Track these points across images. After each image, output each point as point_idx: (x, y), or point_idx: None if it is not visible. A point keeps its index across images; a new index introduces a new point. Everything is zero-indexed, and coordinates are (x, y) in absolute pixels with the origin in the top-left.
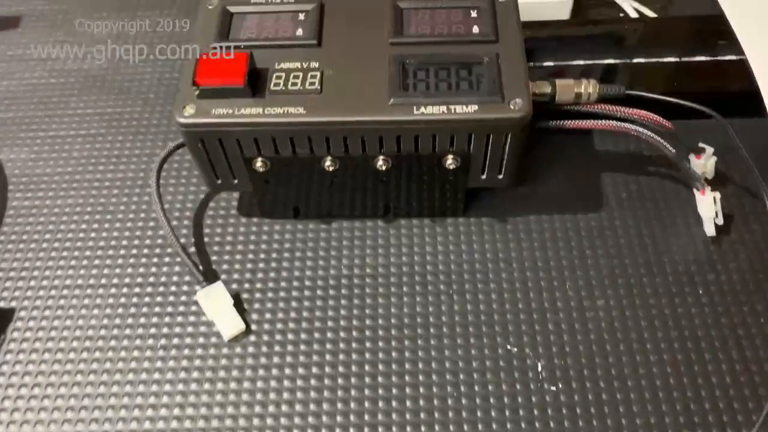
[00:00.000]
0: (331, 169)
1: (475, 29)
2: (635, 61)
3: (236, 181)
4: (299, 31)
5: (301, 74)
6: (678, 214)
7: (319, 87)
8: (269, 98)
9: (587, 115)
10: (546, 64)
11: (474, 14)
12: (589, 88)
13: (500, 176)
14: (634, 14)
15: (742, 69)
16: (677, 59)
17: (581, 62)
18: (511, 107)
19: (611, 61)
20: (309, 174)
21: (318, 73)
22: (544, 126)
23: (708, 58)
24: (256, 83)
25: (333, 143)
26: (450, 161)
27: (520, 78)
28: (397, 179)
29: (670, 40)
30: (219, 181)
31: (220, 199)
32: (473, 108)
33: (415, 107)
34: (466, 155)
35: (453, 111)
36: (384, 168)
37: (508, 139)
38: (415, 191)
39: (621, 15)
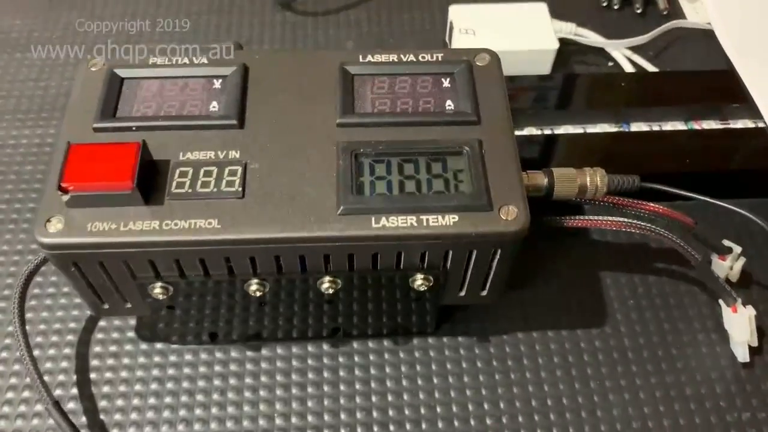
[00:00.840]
0: (258, 294)
1: (450, 105)
2: (633, 129)
3: (129, 306)
4: (214, 106)
5: (215, 169)
6: (698, 327)
7: (240, 189)
8: (169, 205)
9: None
10: (523, 132)
11: (446, 83)
12: (596, 179)
13: (483, 293)
14: (629, 67)
15: (762, 138)
16: (684, 125)
17: (568, 129)
18: (503, 217)
19: (605, 128)
20: (229, 297)
21: (239, 168)
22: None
23: (720, 126)
24: (151, 184)
25: (260, 263)
26: (419, 282)
27: (511, 175)
28: (349, 300)
29: (673, 100)
30: (106, 306)
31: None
32: (452, 219)
33: (373, 218)
34: (440, 274)
35: (425, 223)
36: (331, 291)
37: (497, 255)
38: (372, 311)
39: (610, 64)
